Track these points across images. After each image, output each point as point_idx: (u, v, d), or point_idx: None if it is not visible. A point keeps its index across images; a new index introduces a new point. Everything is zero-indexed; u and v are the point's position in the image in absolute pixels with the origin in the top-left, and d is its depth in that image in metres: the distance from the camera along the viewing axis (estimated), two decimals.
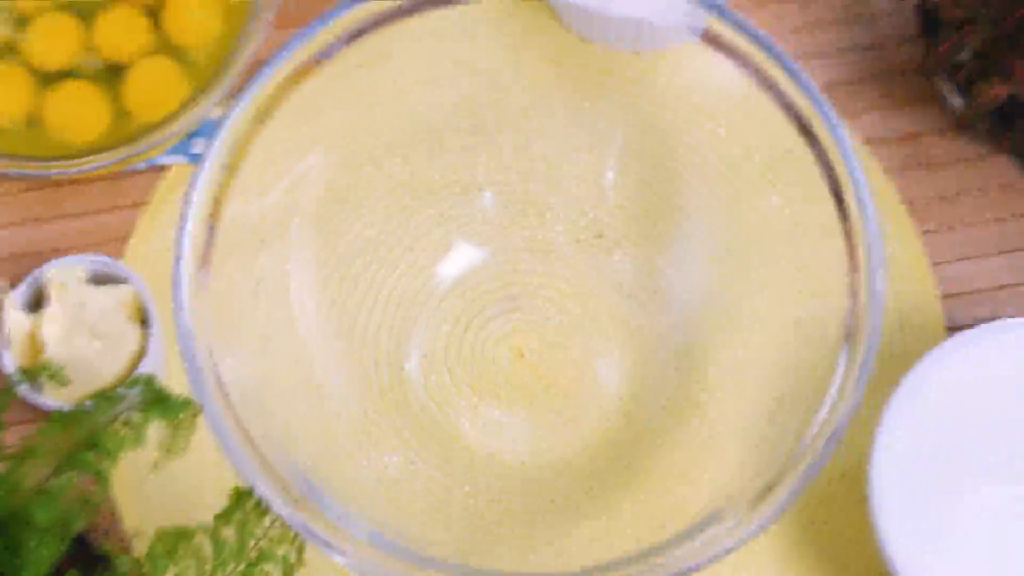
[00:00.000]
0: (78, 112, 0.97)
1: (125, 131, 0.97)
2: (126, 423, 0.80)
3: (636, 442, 0.92)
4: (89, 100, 0.97)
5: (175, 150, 1.00)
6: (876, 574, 0.93)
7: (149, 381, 0.81)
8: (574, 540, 0.89)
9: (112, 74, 0.98)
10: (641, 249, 0.95)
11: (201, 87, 0.96)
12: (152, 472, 0.91)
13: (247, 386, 0.83)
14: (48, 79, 0.98)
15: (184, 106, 0.96)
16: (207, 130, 1.00)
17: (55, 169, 0.95)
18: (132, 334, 0.92)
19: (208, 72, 0.98)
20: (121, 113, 0.98)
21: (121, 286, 0.92)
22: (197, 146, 1.00)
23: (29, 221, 0.99)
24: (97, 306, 0.91)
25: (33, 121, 0.97)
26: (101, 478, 0.79)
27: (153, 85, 0.97)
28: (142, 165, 0.99)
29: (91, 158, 0.95)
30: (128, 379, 0.84)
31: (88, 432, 0.79)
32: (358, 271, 0.94)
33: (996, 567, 0.85)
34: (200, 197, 0.83)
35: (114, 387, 0.89)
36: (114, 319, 0.91)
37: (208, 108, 0.96)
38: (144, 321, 0.93)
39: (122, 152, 0.95)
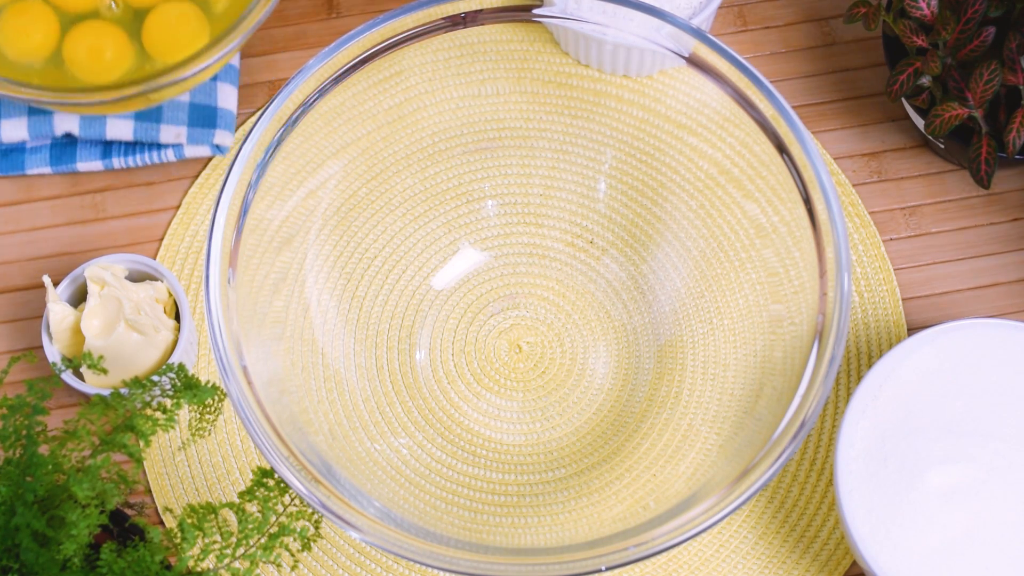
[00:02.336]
0: (100, 51, 0.92)
1: (145, 72, 0.93)
2: (159, 408, 0.81)
3: (621, 428, 0.93)
4: (111, 40, 0.94)
5: (199, 140, 0.99)
6: (840, 548, 0.93)
7: (180, 369, 0.82)
8: (566, 518, 0.90)
9: (135, 18, 0.95)
10: (628, 254, 0.96)
11: (219, 35, 0.93)
12: (182, 452, 0.93)
13: (269, 374, 0.84)
14: (73, 20, 0.95)
15: (202, 51, 0.92)
16: (227, 122, 0.99)
17: (71, 100, 0.91)
18: (166, 326, 0.92)
19: (226, 21, 0.94)
20: (142, 55, 0.94)
21: (156, 283, 0.93)
22: (219, 136, 0.99)
23: (73, 223, 0.99)
24: (134, 300, 0.91)
25: (57, 61, 0.94)
26: (135, 458, 0.79)
27: (173, 28, 0.93)
28: (172, 157, 0.99)
29: (109, 92, 0.91)
30: (161, 367, 0.83)
31: (124, 416, 0.80)
32: (373, 270, 0.95)
33: (945, 540, 0.85)
34: (228, 203, 0.83)
35: (148, 375, 0.90)
36: (149, 313, 0.91)
37: (224, 54, 0.92)
38: (177, 314, 0.94)
39: (138, 87, 0.91)
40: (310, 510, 0.81)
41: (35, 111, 0.99)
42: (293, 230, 0.88)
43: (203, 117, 0.99)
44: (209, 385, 0.81)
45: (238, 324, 0.82)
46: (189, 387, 0.82)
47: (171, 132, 0.99)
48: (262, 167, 0.84)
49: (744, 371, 0.88)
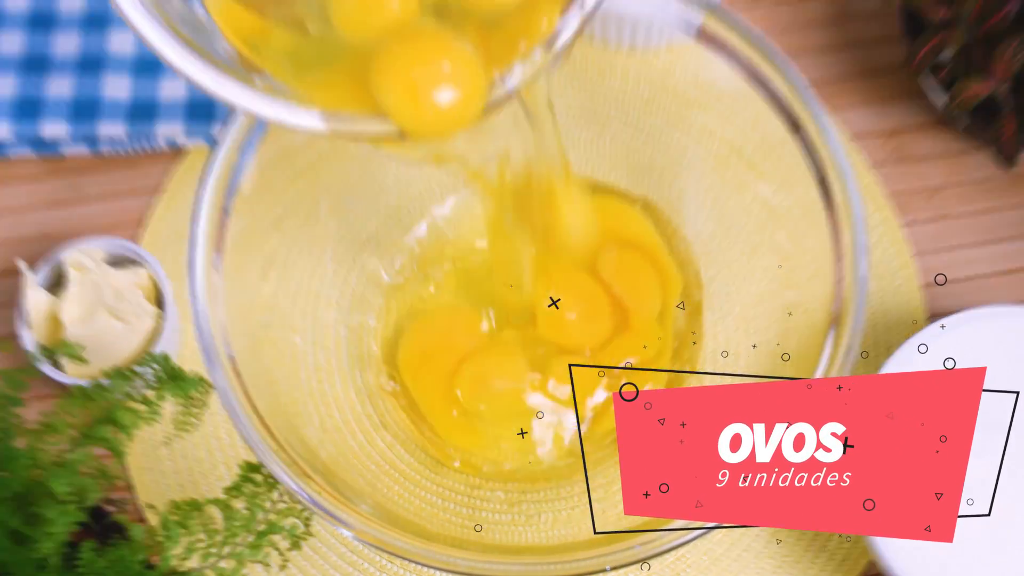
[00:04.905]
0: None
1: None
2: (141, 399, 0.80)
3: None
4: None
5: (195, 134, 0.96)
6: (857, 547, 0.92)
7: (164, 359, 0.81)
8: (568, 515, 0.89)
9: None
10: None
11: None
12: (165, 447, 0.91)
13: (257, 364, 0.81)
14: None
15: None
16: (225, 113, 0.98)
17: None
18: (148, 314, 0.90)
19: None
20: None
21: (137, 268, 0.91)
22: (216, 129, 0.97)
23: (50, 204, 0.98)
24: (114, 287, 0.90)
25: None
26: (117, 452, 0.78)
27: None
28: (164, 145, 0.97)
29: None
30: (143, 357, 0.81)
31: (105, 408, 0.78)
32: (366, 254, 0.93)
33: (964, 538, 0.84)
34: (213, 182, 0.81)
35: (130, 364, 0.87)
36: (131, 299, 0.90)
37: None
38: (159, 301, 0.92)
39: None
40: (300, 507, 0.79)
41: (23, 114, 0.96)
42: (284, 212, 0.86)
43: (201, 112, 0.97)
44: (194, 377, 0.80)
45: (225, 312, 0.80)
46: (173, 378, 0.81)
47: (167, 129, 0.97)
48: (251, 146, 0.82)
49: (759, 361, 0.87)
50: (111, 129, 0.96)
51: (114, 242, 0.92)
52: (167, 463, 0.93)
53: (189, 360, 0.95)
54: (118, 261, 0.92)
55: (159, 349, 0.90)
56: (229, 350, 0.79)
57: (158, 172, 0.98)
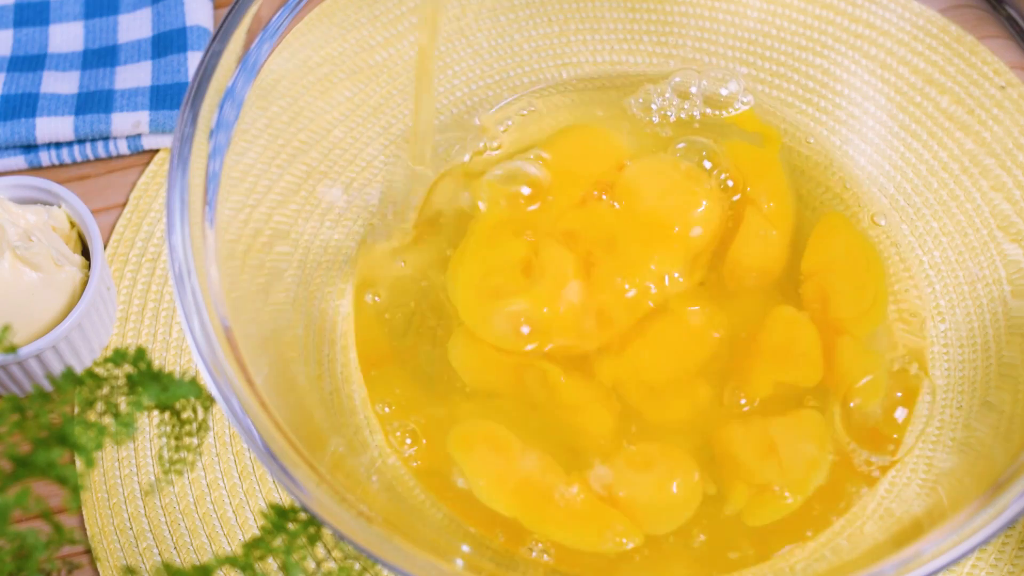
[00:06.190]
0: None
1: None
2: (107, 409, 0.61)
3: None
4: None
5: (163, 126, 0.87)
6: None
7: (138, 354, 0.61)
8: None
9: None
10: None
11: None
12: (152, 494, 0.74)
13: (271, 372, 0.64)
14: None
15: None
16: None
17: None
18: (71, 261, 0.78)
19: None
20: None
21: (51, 207, 0.79)
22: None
23: None
24: (21, 227, 0.77)
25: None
26: (72, 489, 0.57)
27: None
28: (125, 150, 0.88)
29: None
30: (67, 319, 0.72)
31: (48, 423, 0.59)
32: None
33: None
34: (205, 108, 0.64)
35: (51, 328, 0.75)
36: (44, 242, 0.77)
37: None
38: (84, 251, 0.79)
39: None
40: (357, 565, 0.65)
41: None
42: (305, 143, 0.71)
43: (170, 97, 0.89)
44: (186, 378, 0.61)
45: (217, 274, 0.63)
46: (150, 379, 0.60)
47: (127, 122, 0.87)
48: (273, 32, 0.66)
49: (965, 331, 0.71)
50: (53, 128, 0.88)
51: (19, 180, 0.80)
52: (134, 507, 0.73)
53: (133, 335, 0.80)
54: (25, 203, 0.81)
55: (83, 308, 0.77)
56: (225, 320, 0.62)
57: (118, 184, 0.86)
